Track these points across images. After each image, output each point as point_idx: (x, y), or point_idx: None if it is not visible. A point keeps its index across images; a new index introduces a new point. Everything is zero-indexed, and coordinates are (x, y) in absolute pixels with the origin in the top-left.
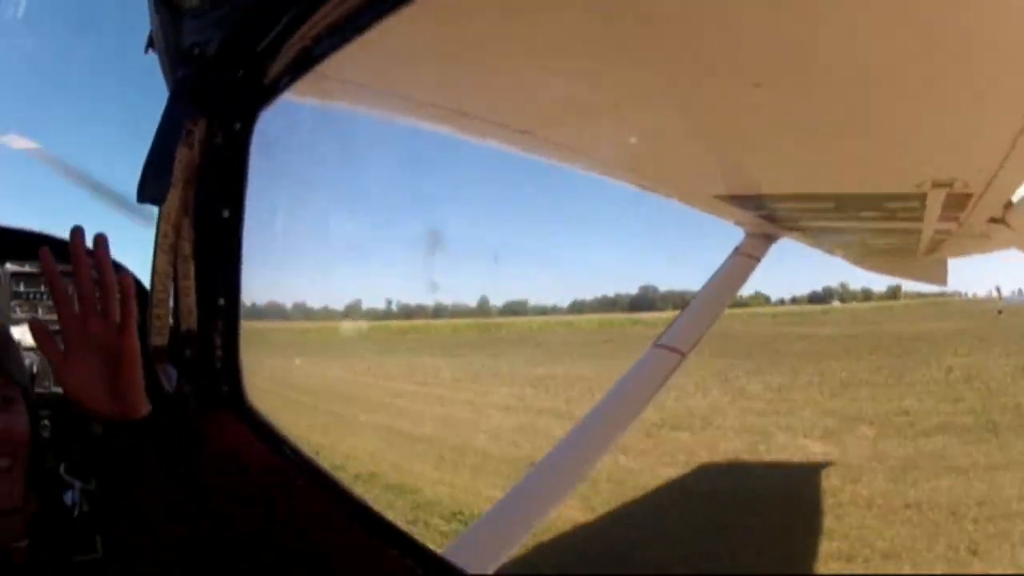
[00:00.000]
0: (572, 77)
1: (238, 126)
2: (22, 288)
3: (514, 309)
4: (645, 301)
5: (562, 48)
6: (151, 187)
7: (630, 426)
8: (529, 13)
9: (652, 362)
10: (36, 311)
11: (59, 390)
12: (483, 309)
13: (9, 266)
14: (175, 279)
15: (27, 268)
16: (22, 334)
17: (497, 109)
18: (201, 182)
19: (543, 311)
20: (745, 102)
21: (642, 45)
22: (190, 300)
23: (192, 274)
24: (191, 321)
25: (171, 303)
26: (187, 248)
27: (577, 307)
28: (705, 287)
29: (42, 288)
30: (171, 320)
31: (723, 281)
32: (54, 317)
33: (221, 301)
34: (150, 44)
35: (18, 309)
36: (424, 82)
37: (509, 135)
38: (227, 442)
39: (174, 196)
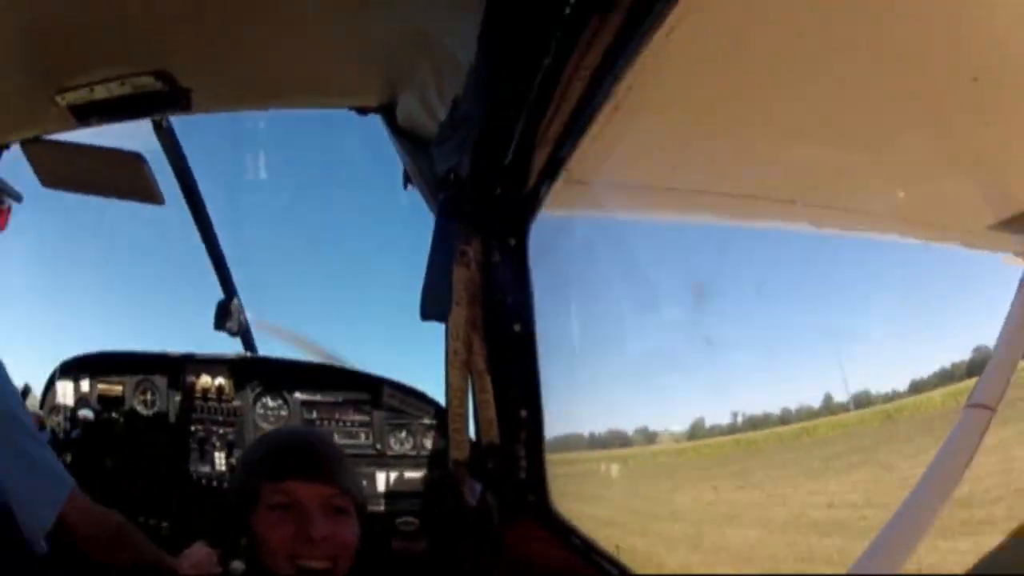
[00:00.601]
0: (829, 135)
1: (512, 242)
2: (315, 415)
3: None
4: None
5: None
6: (433, 307)
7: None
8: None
9: (967, 424)
10: (331, 436)
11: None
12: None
13: (299, 395)
14: (473, 394)
15: (317, 397)
16: None
17: (758, 181)
18: (487, 299)
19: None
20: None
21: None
22: (489, 413)
23: (489, 388)
24: (492, 434)
25: (469, 418)
26: (480, 363)
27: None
28: (1003, 331)
29: (329, 415)
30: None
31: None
32: (343, 442)
33: (523, 413)
34: (407, 180)
35: None
36: (680, 169)
37: (771, 207)
38: (534, 550)
39: (459, 314)
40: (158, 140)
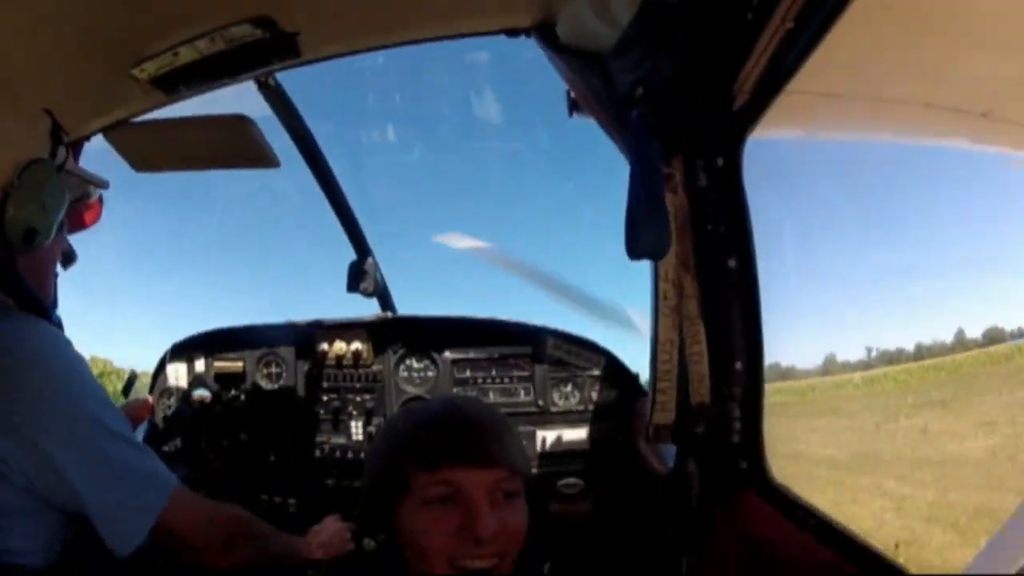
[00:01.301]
0: None
1: (720, 162)
2: (467, 374)
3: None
4: None
5: None
6: (648, 241)
7: None
8: None
9: None
10: (486, 395)
11: None
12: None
13: (448, 353)
14: (681, 346)
15: (470, 355)
16: None
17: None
18: (697, 230)
19: None
20: None
21: None
22: (701, 368)
23: (703, 337)
24: (703, 392)
25: (677, 373)
26: (693, 308)
27: None
28: None
29: (485, 373)
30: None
31: None
32: (501, 400)
33: (738, 365)
34: (573, 107)
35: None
36: (887, 80)
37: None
38: (750, 524)
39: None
40: (265, 100)
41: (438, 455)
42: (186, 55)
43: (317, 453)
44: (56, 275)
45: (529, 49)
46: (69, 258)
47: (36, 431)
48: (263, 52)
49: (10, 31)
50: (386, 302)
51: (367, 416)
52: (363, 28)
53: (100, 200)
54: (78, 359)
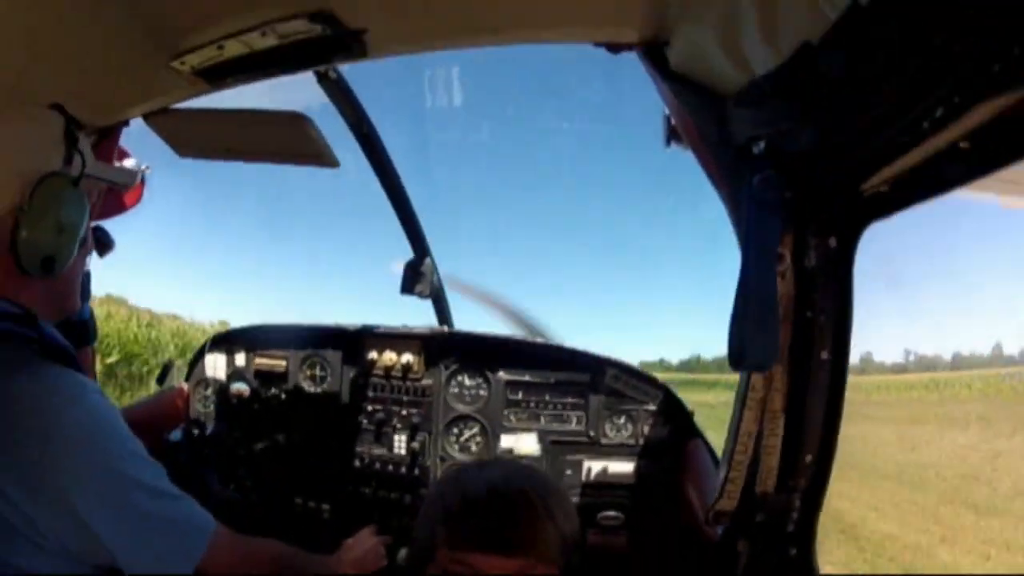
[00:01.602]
0: None
1: (834, 243)
2: (520, 396)
3: None
4: None
5: None
6: (752, 355)
7: None
8: None
9: None
10: (537, 420)
11: None
12: None
13: (502, 373)
14: (758, 437)
15: (525, 377)
16: (515, 442)
17: None
18: (797, 316)
19: None
20: None
21: None
22: (772, 460)
23: (781, 430)
24: (769, 484)
25: (747, 464)
26: (778, 402)
27: None
28: None
29: (537, 397)
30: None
31: None
32: (551, 427)
33: (808, 458)
34: (672, 136)
35: (512, 417)
36: None
37: None
38: None
39: None
40: (324, 92)
41: (463, 537)
42: (233, 49)
43: (356, 463)
44: (86, 275)
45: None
46: (105, 246)
47: (69, 495)
48: (322, 49)
49: (32, 19)
50: (441, 306)
51: (412, 431)
52: (446, 27)
53: (143, 180)
54: (106, 409)
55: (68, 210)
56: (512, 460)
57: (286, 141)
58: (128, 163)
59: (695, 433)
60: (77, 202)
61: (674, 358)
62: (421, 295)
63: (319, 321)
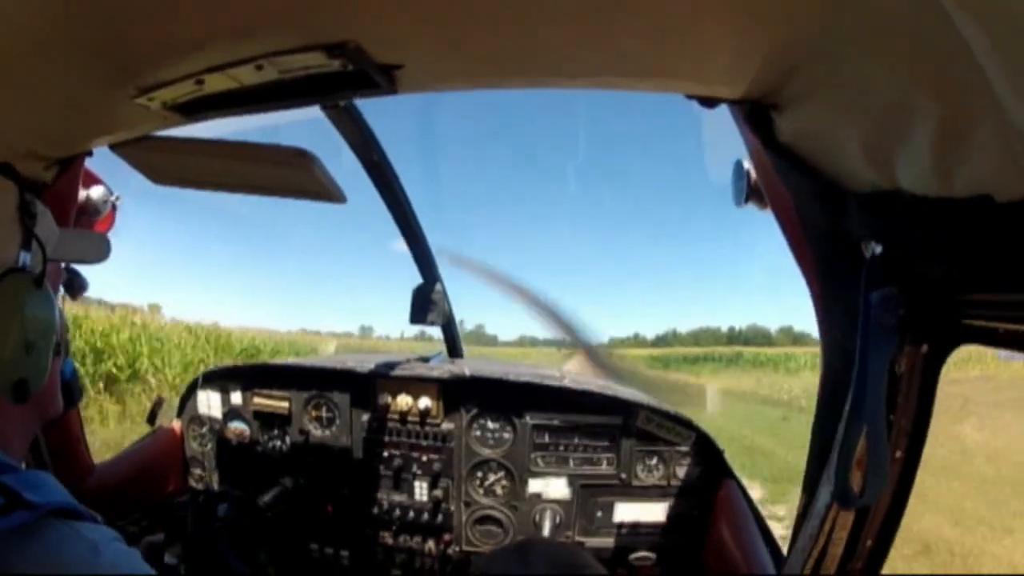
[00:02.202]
0: None
1: (926, 349)
2: (547, 439)
3: None
4: None
5: None
6: (869, 491)
7: None
8: None
9: None
10: (566, 463)
11: None
12: None
13: (528, 417)
14: (831, 530)
15: (553, 420)
16: (544, 486)
17: None
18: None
19: None
20: None
21: None
22: (837, 549)
23: (850, 524)
24: (831, 567)
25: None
26: None
27: None
28: None
29: (566, 440)
30: None
31: None
32: (581, 470)
33: (869, 543)
34: (752, 196)
35: (540, 461)
36: None
37: None
38: None
39: None
40: (328, 119)
41: None
42: (217, 84)
43: (375, 509)
44: (62, 347)
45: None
46: (79, 288)
47: None
48: (338, 84)
49: None
50: (451, 334)
51: (433, 478)
52: (504, 67)
53: (113, 208)
54: (126, 559)
55: (34, 320)
56: (552, 547)
57: (285, 177)
58: (96, 191)
59: (728, 474)
60: (44, 304)
61: (649, 333)
62: (432, 324)
63: (322, 362)
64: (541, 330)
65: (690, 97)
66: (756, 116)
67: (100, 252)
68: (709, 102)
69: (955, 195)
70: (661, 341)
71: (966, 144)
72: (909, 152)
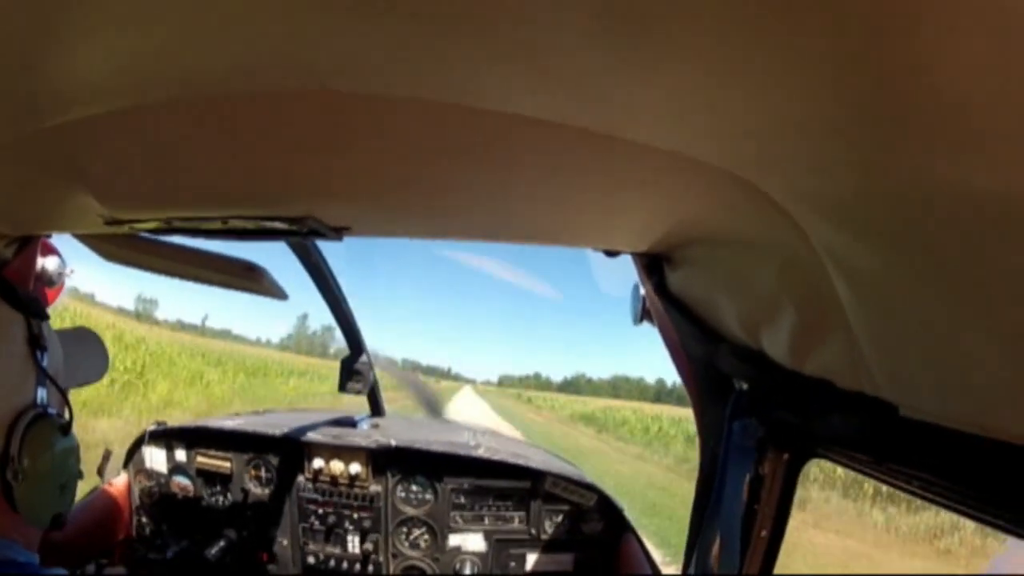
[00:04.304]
0: None
1: (786, 458)
2: (463, 500)
3: None
4: None
5: None
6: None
7: None
8: None
9: None
10: (481, 521)
11: None
12: None
13: (448, 480)
14: None
15: (468, 484)
16: (463, 540)
17: None
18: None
19: None
20: None
21: None
22: None
23: None
24: None
25: None
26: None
27: None
28: None
29: (481, 501)
30: None
31: None
32: (495, 527)
33: None
34: (646, 317)
35: (458, 518)
36: None
37: None
38: None
39: None
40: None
41: None
42: (183, 224)
43: (311, 560)
44: None
45: None
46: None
47: None
48: (293, 233)
49: None
50: (375, 399)
51: (363, 533)
52: (431, 225)
53: (61, 287)
54: None
55: (64, 465)
56: None
57: (238, 280)
58: (51, 262)
59: (628, 528)
60: (70, 447)
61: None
62: (359, 393)
63: (260, 427)
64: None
65: (596, 249)
66: (651, 266)
67: (101, 370)
68: (612, 254)
69: (804, 372)
70: (570, 386)
71: (817, 342)
72: (773, 332)
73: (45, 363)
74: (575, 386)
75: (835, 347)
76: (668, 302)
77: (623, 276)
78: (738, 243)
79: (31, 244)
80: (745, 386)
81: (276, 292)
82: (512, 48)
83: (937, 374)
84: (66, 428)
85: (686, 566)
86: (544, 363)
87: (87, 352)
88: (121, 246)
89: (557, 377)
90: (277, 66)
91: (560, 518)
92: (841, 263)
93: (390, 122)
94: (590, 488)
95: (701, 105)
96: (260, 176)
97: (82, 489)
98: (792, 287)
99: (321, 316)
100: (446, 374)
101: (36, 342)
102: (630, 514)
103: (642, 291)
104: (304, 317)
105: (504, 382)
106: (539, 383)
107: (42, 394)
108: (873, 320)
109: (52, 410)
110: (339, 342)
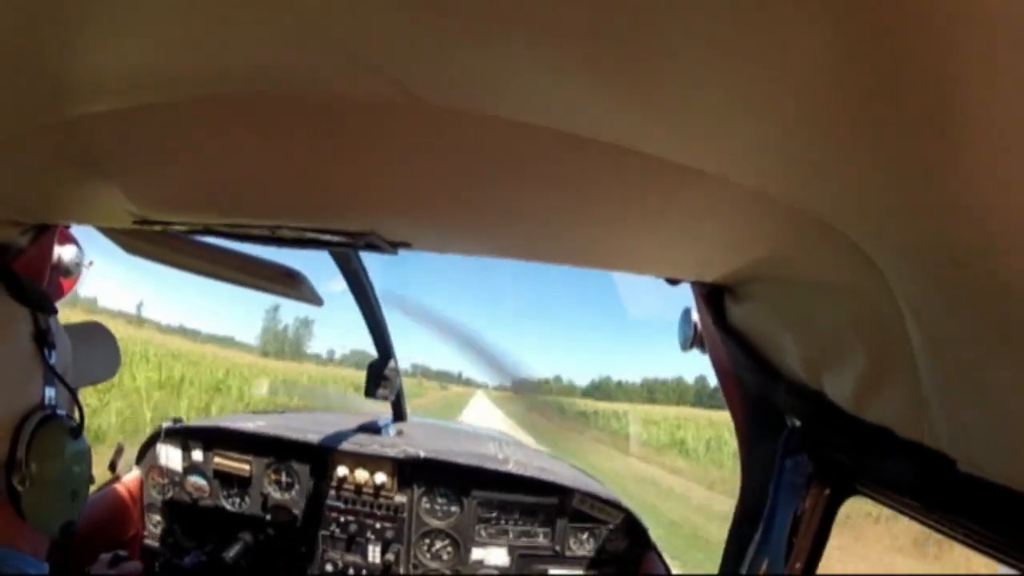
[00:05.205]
0: None
1: (827, 492)
2: (491, 515)
3: None
4: None
5: None
6: None
7: None
8: None
9: None
10: (506, 535)
11: None
12: None
13: (475, 494)
14: None
15: (496, 498)
16: (486, 554)
17: None
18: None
19: None
20: None
21: None
22: None
23: None
24: None
25: None
26: None
27: None
28: None
29: (508, 515)
30: None
31: None
32: (520, 542)
33: None
34: (696, 344)
35: (483, 532)
36: None
37: None
38: None
39: None
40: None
41: None
42: (222, 230)
43: (329, 568)
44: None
45: None
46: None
47: None
48: (347, 246)
49: None
50: (399, 406)
51: (384, 544)
52: (492, 244)
53: (77, 277)
54: None
55: (76, 470)
56: None
57: (271, 284)
58: (68, 252)
59: (651, 547)
60: (82, 450)
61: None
62: (386, 399)
63: (282, 431)
64: (432, 361)
65: (657, 276)
66: (711, 296)
67: (113, 367)
68: (673, 282)
69: (864, 417)
70: (597, 389)
71: (881, 390)
72: (835, 375)
73: (53, 360)
74: (604, 390)
75: (899, 397)
76: (726, 334)
77: (657, 299)
78: (811, 284)
79: (48, 232)
80: (798, 423)
81: (313, 298)
82: (590, 65)
83: (1000, 434)
84: (77, 431)
85: None
86: (562, 366)
87: (98, 348)
88: (148, 241)
89: (581, 380)
90: (334, 69)
91: (585, 535)
92: (916, 309)
93: (456, 137)
94: (616, 506)
95: (791, 146)
96: (318, 187)
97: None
98: (863, 333)
99: (296, 308)
100: (456, 379)
101: (43, 338)
102: None
103: (695, 318)
104: (274, 310)
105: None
106: (561, 387)
107: (50, 394)
108: (942, 375)
109: (61, 411)
110: (319, 339)
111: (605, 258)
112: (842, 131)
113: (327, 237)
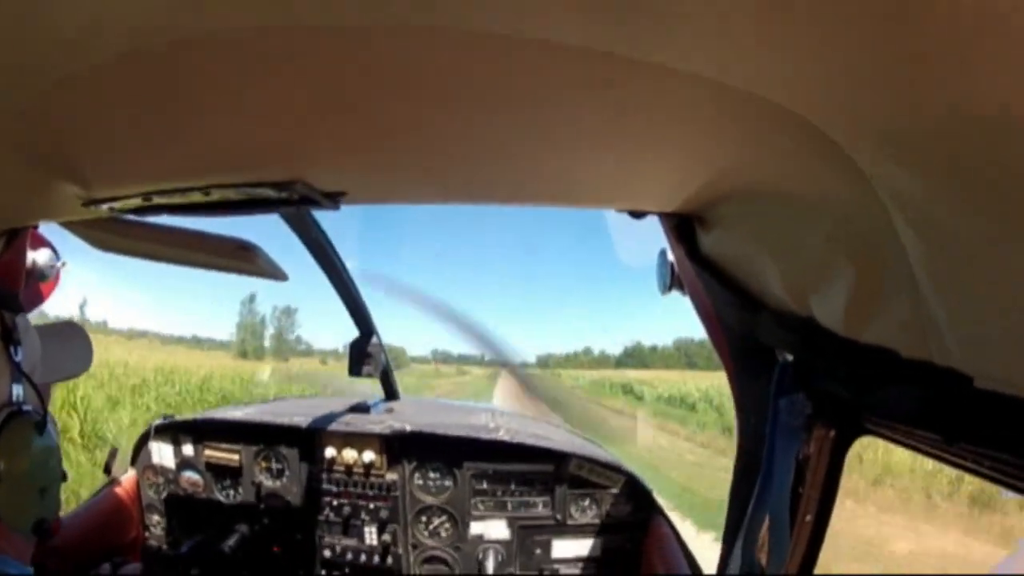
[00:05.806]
0: None
1: (832, 435)
2: (485, 486)
3: None
4: None
5: None
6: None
7: None
8: None
9: None
10: (504, 507)
11: None
12: None
13: (467, 466)
14: None
15: (490, 469)
16: (485, 528)
17: None
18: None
19: None
20: None
21: None
22: None
23: None
24: None
25: None
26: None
27: None
28: None
29: (503, 487)
30: None
31: None
32: (519, 513)
33: None
34: (675, 285)
35: (480, 506)
36: None
37: None
38: None
39: None
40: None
41: None
42: (164, 199)
43: (327, 553)
44: None
45: None
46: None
47: None
48: (283, 203)
49: None
50: (388, 382)
51: (380, 524)
52: (436, 189)
53: (56, 278)
54: None
55: (43, 465)
56: None
57: (231, 261)
58: (42, 256)
59: (658, 511)
60: (49, 445)
61: (606, 347)
62: (370, 376)
63: (268, 417)
64: (453, 346)
65: (620, 210)
66: (682, 228)
67: (85, 363)
68: (639, 215)
69: (862, 340)
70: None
71: (878, 306)
72: (824, 294)
73: (19, 358)
74: (637, 356)
75: (899, 311)
76: (701, 267)
77: (646, 243)
78: (785, 196)
79: (18, 238)
80: (790, 358)
81: (273, 272)
82: None
83: (1020, 338)
84: (42, 425)
85: (726, 554)
86: (588, 336)
87: (70, 346)
88: (110, 232)
89: (613, 349)
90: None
91: (586, 502)
92: (909, 212)
93: (380, 59)
94: (617, 469)
95: (761, 32)
96: (243, 138)
97: (90, 488)
98: (849, 243)
99: (276, 296)
100: (479, 361)
101: (9, 336)
102: None
103: (670, 256)
104: (250, 300)
105: (545, 363)
106: (591, 360)
107: (17, 391)
108: (946, 278)
109: (28, 407)
110: (305, 329)
111: (564, 194)
112: (824, 18)
113: (258, 192)
